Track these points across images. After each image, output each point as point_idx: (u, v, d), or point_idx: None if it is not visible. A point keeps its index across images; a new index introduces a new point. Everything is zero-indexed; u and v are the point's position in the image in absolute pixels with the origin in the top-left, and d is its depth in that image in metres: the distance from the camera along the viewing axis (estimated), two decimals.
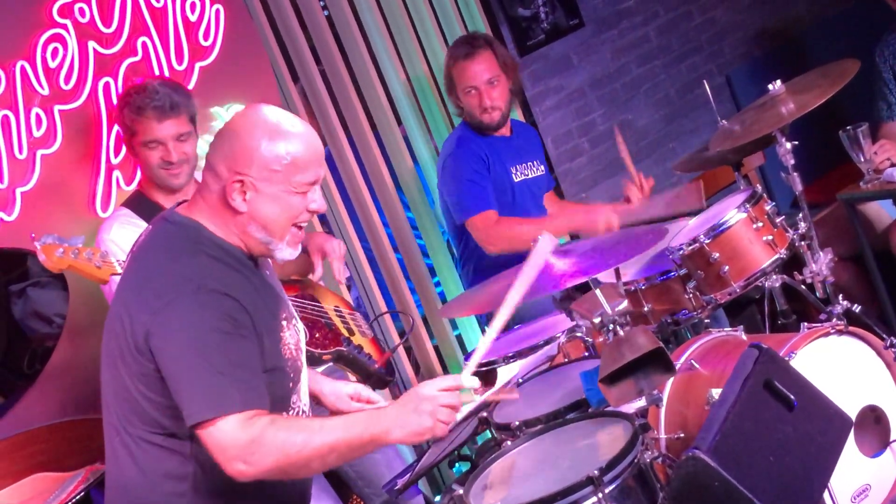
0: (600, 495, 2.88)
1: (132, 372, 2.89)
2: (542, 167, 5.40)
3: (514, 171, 5.24)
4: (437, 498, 5.29)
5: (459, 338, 5.82)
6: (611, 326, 3.19)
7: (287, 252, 3.00)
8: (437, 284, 5.79)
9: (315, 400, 3.36)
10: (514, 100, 5.35)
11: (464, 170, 5.13)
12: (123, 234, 4.05)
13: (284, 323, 3.04)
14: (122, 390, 2.95)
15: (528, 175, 5.29)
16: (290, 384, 3.02)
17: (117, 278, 3.82)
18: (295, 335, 3.09)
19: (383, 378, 4.39)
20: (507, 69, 5.20)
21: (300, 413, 3.10)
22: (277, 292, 3.11)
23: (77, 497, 3.77)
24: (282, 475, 2.81)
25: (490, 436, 3.88)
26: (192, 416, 2.76)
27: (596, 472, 2.88)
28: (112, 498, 3.10)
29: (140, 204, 4.18)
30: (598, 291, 3.20)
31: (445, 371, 5.70)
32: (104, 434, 3.08)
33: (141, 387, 2.89)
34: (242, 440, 2.72)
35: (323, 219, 5.57)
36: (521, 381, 3.83)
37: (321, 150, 2.98)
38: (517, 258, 4.87)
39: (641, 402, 3.26)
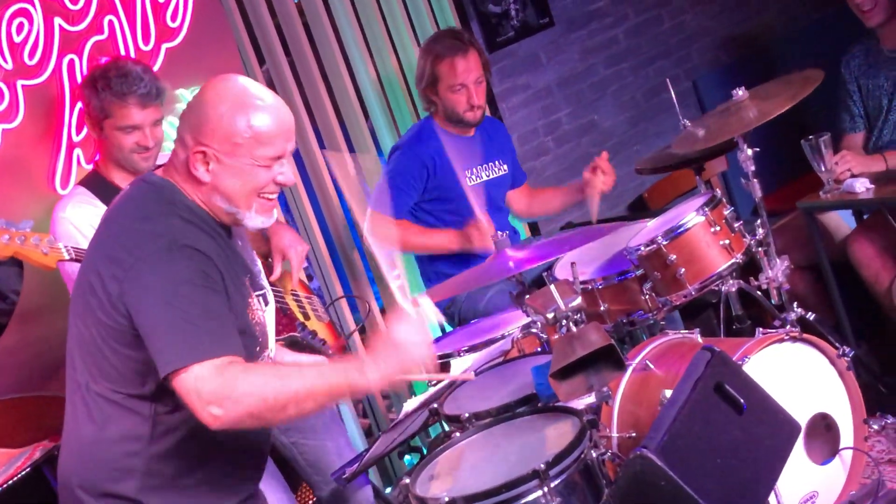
0: (545, 489, 2.89)
1: (104, 328, 2.89)
2: (506, 166, 5.38)
3: (468, 175, 5.21)
4: (388, 489, 5.29)
5: None
6: (564, 322, 3.20)
7: (258, 220, 3.00)
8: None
9: None
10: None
11: (397, 170, 5.15)
12: (79, 213, 4.03)
13: (251, 289, 3.06)
14: (90, 347, 2.95)
15: (485, 177, 5.27)
16: (258, 349, 3.02)
17: (69, 265, 3.81)
18: (262, 306, 3.10)
19: None
20: (486, 69, 5.22)
21: None
22: (247, 262, 3.12)
23: (24, 473, 3.75)
24: (257, 421, 2.78)
25: (441, 428, 3.89)
26: (167, 366, 2.74)
27: (542, 465, 2.89)
28: (66, 454, 3.10)
29: (97, 184, 4.15)
30: (552, 287, 3.20)
31: None
32: (66, 392, 3.08)
33: (112, 343, 2.89)
34: (217, 385, 2.70)
35: (284, 205, 5.56)
36: (474, 373, 3.83)
37: (289, 123, 2.97)
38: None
39: (591, 399, 3.27)
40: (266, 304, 3.16)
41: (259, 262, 3.25)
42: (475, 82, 5.12)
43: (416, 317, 2.96)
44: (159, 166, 3.08)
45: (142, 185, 3.03)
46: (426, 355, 2.91)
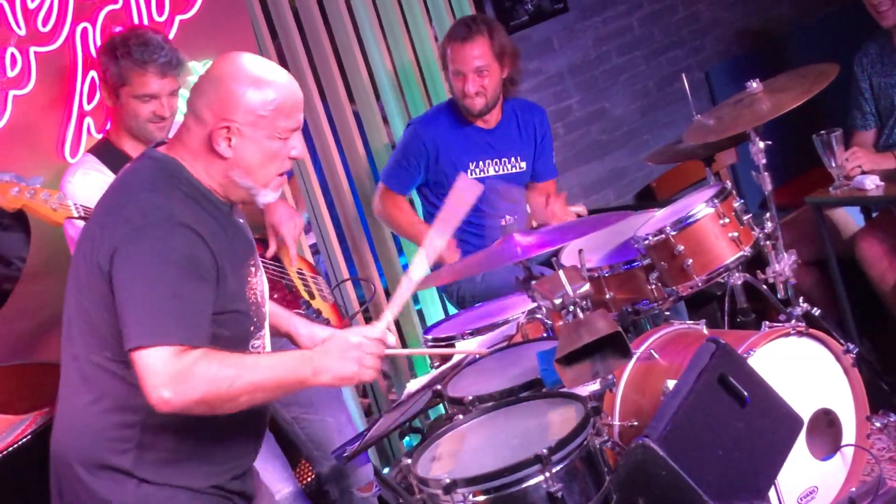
0: (547, 474, 2.89)
1: (96, 295, 2.90)
2: (524, 164, 5.29)
3: (472, 167, 5.18)
4: (387, 470, 5.30)
5: (420, 312, 5.82)
6: (571, 308, 3.19)
7: (270, 196, 3.03)
8: (401, 254, 5.79)
9: (289, 339, 3.41)
10: (509, 87, 5.27)
11: (406, 146, 5.18)
12: (88, 180, 4.03)
13: (253, 269, 3.07)
14: (84, 315, 2.95)
15: (492, 172, 5.21)
16: (252, 328, 3.04)
17: (77, 222, 3.81)
18: (262, 284, 3.12)
19: None
20: (501, 58, 5.13)
21: None
22: (248, 240, 3.13)
23: (24, 440, 3.75)
24: (207, 409, 2.79)
25: (443, 410, 3.88)
26: (132, 340, 2.76)
27: (545, 451, 2.89)
28: (61, 428, 3.09)
29: (107, 152, 4.14)
30: (560, 272, 3.20)
31: (404, 344, 5.70)
32: (61, 361, 3.08)
33: (103, 312, 2.89)
34: (172, 369, 2.72)
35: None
36: (477, 356, 3.83)
37: (301, 96, 3.02)
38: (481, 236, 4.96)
39: (595, 386, 3.27)
40: (264, 283, 3.17)
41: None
42: (474, 71, 5.07)
43: (381, 327, 3.00)
44: (161, 143, 3.09)
45: (145, 161, 3.04)
46: (373, 365, 2.93)
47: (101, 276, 2.87)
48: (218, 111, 2.92)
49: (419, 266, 3.25)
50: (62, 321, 3.06)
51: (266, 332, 3.15)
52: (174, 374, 2.72)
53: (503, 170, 5.25)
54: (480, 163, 5.20)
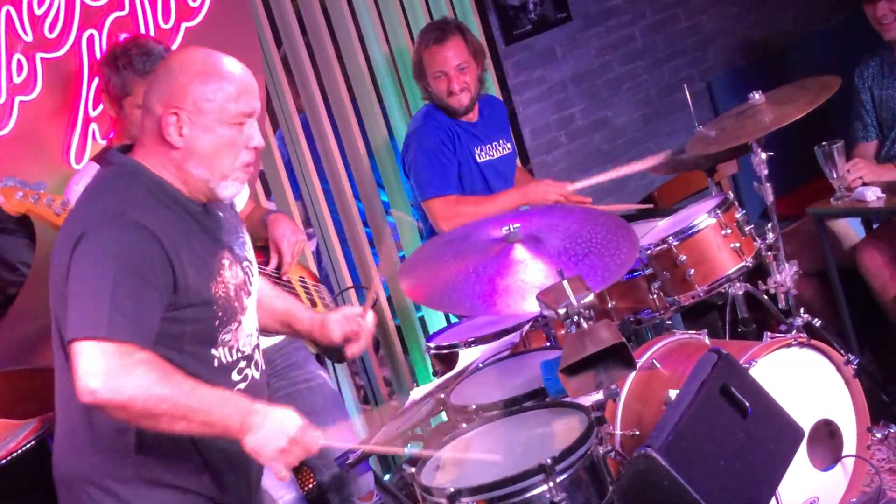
0: (551, 484, 2.90)
1: (63, 303, 2.89)
2: (509, 145, 5.42)
3: (478, 153, 5.27)
4: (387, 477, 5.31)
5: (422, 319, 5.83)
6: (575, 318, 3.20)
7: (231, 188, 3.01)
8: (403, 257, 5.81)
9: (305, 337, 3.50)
10: (481, 86, 5.34)
11: (429, 148, 5.17)
12: None
13: (226, 262, 3.03)
14: (57, 324, 2.96)
15: (493, 155, 5.31)
16: (217, 322, 2.99)
17: None
18: (241, 276, 3.08)
19: (343, 352, 4.38)
20: (476, 56, 5.21)
21: (235, 351, 3.07)
22: (223, 232, 3.10)
23: (28, 445, 3.76)
24: (126, 416, 2.76)
25: (444, 418, 3.88)
26: (69, 332, 2.76)
27: (548, 460, 2.90)
28: (60, 447, 3.10)
29: None
30: (564, 283, 3.21)
31: (405, 352, 5.72)
32: (56, 370, 3.07)
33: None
34: (111, 363, 2.70)
35: (296, 191, 5.57)
36: (481, 365, 3.85)
37: (254, 84, 3.02)
38: None
39: (599, 396, 3.28)
40: (248, 276, 3.14)
41: (245, 235, 3.24)
42: (456, 69, 5.13)
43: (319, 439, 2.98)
44: (125, 147, 3.08)
45: (105, 166, 3.07)
46: (291, 463, 2.91)
47: (62, 281, 2.87)
48: (167, 100, 2.92)
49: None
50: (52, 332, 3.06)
51: (244, 328, 3.10)
52: (111, 368, 2.70)
53: (497, 153, 5.35)
54: (483, 147, 5.30)
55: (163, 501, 3.01)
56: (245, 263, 3.13)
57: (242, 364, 3.10)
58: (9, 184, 3.74)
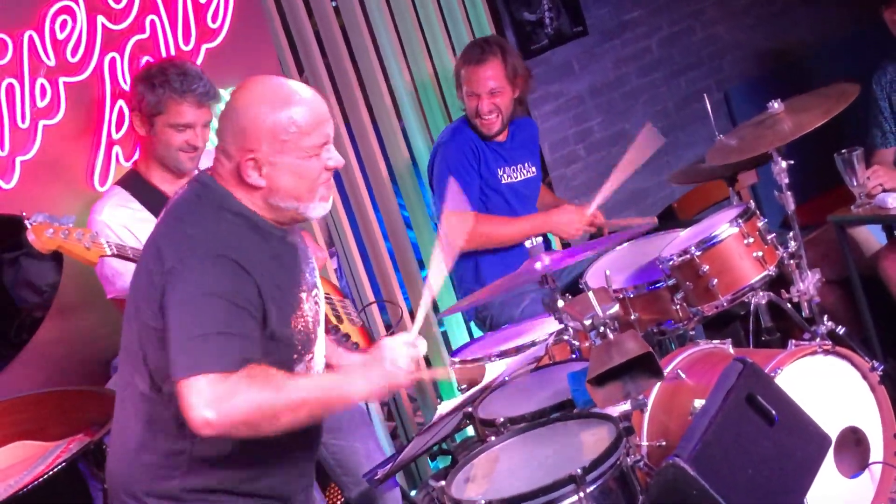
0: (581, 494, 2.90)
1: (151, 323, 2.91)
2: (534, 168, 5.43)
3: (501, 174, 5.28)
4: (414, 492, 5.32)
5: (445, 334, 5.85)
6: (601, 329, 3.21)
7: (320, 209, 3.01)
8: (422, 268, 5.83)
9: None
10: (517, 107, 5.36)
11: (453, 162, 5.18)
12: (115, 215, 4.05)
13: (304, 295, 3.05)
14: (139, 346, 2.98)
15: (516, 178, 5.32)
16: (295, 356, 3.02)
17: (109, 261, 3.84)
18: (314, 307, 3.10)
19: None
20: (514, 79, 5.22)
21: None
22: (301, 264, 3.11)
23: (59, 466, 3.77)
24: (250, 429, 2.78)
25: (470, 433, 3.90)
26: (175, 372, 2.77)
27: (579, 471, 2.91)
28: (114, 455, 3.13)
29: (135, 183, 4.16)
30: (590, 294, 3.22)
31: (429, 367, 5.73)
32: (116, 396, 3.11)
33: (155, 343, 2.91)
34: (215, 391, 2.72)
35: None
36: (507, 378, 3.86)
37: (326, 109, 2.98)
38: (511, 254, 5.01)
39: (626, 406, 3.29)
40: (319, 304, 3.16)
41: (314, 259, 3.24)
42: (488, 92, 5.16)
43: (410, 336, 3.05)
44: (209, 169, 3.07)
45: (196, 187, 3.03)
46: (408, 373, 2.98)
47: (155, 308, 2.88)
48: (241, 143, 2.90)
49: (437, 274, 3.31)
50: (120, 353, 3.09)
51: (317, 357, 3.13)
52: (217, 396, 2.71)
53: (521, 175, 5.36)
54: (506, 169, 5.31)
55: None
56: (315, 291, 3.13)
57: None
58: (38, 220, 3.74)
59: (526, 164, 5.38)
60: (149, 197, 4.10)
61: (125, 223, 4.03)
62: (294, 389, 2.81)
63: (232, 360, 2.76)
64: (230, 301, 2.82)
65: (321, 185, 2.98)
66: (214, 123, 4.72)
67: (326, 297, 4.45)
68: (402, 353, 2.97)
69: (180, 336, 2.80)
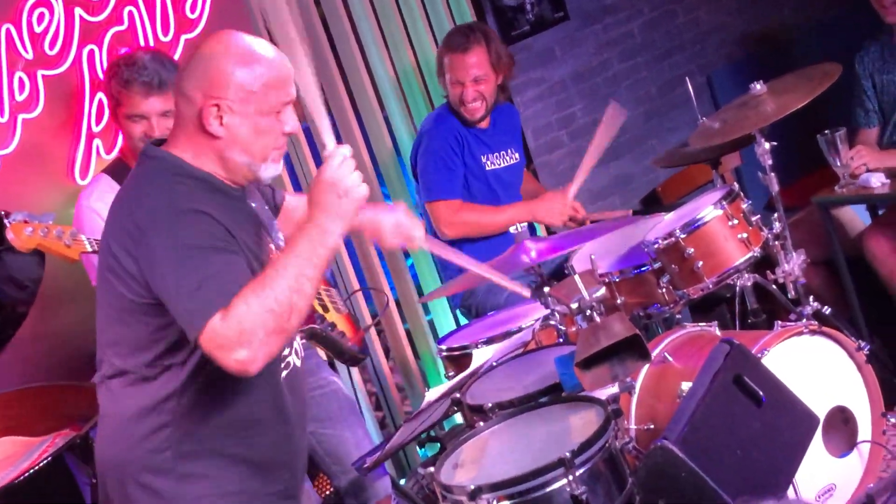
0: (571, 477, 2.90)
1: (126, 303, 2.91)
2: (517, 154, 5.43)
3: (485, 161, 5.28)
4: (403, 480, 5.31)
5: (431, 323, 5.84)
6: (588, 313, 3.21)
7: (271, 169, 3.00)
8: (411, 267, 5.81)
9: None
10: (500, 94, 5.35)
11: (437, 151, 5.18)
12: (104, 200, 4.01)
13: (273, 248, 3.05)
14: (112, 327, 2.99)
15: (500, 165, 5.32)
16: None
17: (92, 256, 3.82)
18: None
19: (356, 356, 4.39)
20: (498, 66, 5.22)
21: None
22: (264, 220, 3.11)
23: (44, 461, 3.76)
24: (281, 336, 2.76)
25: (459, 420, 3.89)
26: (191, 332, 2.76)
27: (567, 454, 2.90)
28: (100, 443, 3.13)
29: (121, 172, 4.13)
30: (576, 277, 3.22)
31: (416, 356, 5.73)
32: (97, 382, 3.10)
33: (135, 315, 2.92)
34: (229, 328, 2.69)
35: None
36: (494, 364, 3.85)
37: (291, 70, 2.96)
38: (495, 242, 5.01)
39: (614, 389, 3.29)
40: None
41: (276, 223, 3.23)
42: (472, 80, 5.15)
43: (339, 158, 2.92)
44: (160, 141, 3.06)
45: (144, 162, 3.02)
46: (362, 190, 2.89)
47: (135, 286, 2.88)
48: (207, 89, 2.89)
49: None
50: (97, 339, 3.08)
51: None
52: (235, 334, 2.70)
53: (504, 162, 5.37)
54: (490, 156, 5.31)
55: (198, 495, 3.01)
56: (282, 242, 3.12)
57: (285, 351, 3.10)
58: (17, 219, 3.72)
59: (509, 151, 5.37)
60: None
61: None
62: (283, 275, 2.76)
63: (226, 292, 2.74)
64: (208, 246, 2.81)
65: (275, 149, 2.97)
66: None
67: None
68: (341, 173, 2.86)
69: (178, 298, 2.78)
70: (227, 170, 2.97)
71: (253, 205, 3.11)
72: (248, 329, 2.70)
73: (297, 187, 5.56)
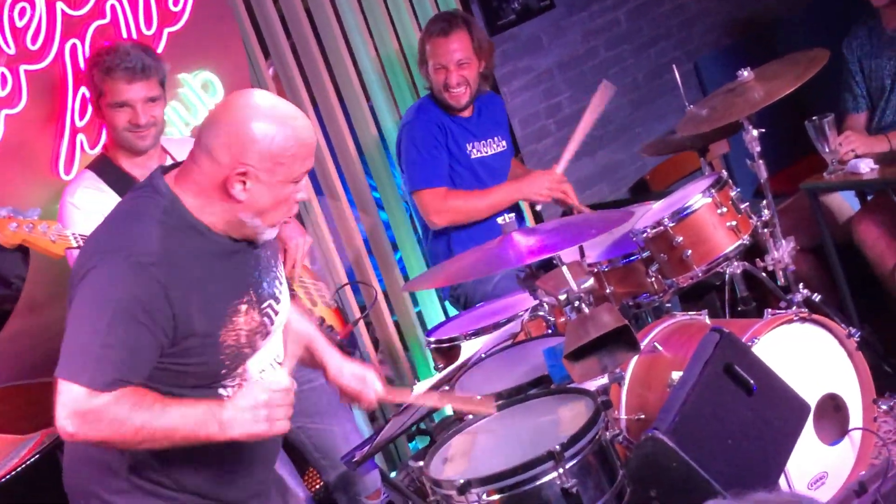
0: (561, 471, 2.88)
1: None
2: (504, 142, 5.39)
3: (470, 149, 5.24)
4: (393, 473, 5.29)
5: (420, 314, 5.82)
6: (576, 304, 3.19)
7: (270, 234, 2.98)
8: (399, 260, 5.79)
9: (318, 368, 3.35)
10: (482, 82, 5.33)
11: (420, 140, 5.14)
12: (87, 197, 4.00)
13: (243, 308, 2.96)
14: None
15: (486, 152, 5.28)
16: (223, 371, 2.95)
17: (73, 252, 3.79)
18: (252, 324, 2.99)
19: (344, 350, 4.35)
20: (480, 52, 5.19)
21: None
22: (252, 270, 3.02)
23: (31, 459, 3.75)
24: (108, 447, 2.86)
25: (448, 412, 3.87)
26: (58, 369, 2.77)
27: (557, 447, 2.88)
28: (67, 459, 3.12)
29: (105, 168, 4.12)
30: (564, 268, 3.20)
31: (405, 348, 5.70)
32: None
33: None
34: (80, 407, 2.72)
35: None
36: (483, 356, 3.83)
37: (314, 138, 2.95)
38: (482, 230, 4.98)
39: (603, 380, 3.27)
40: (278, 304, 3.09)
41: (280, 264, 3.17)
42: (456, 64, 5.12)
43: (285, 374, 2.94)
44: (173, 166, 3.01)
45: (145, 189, 2.98)
46: (285, 417, 2.86)
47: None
48: (237, 154, 2.83)
49: None
50: None
51: (256, 362, 3.03)
52: (81, 412, 2.72)
53: (491, 150, 5.32)
54: (476, 143, 5.27)
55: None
56: (266, 304, 3.03)
57: (261, 369, 3.05)
58: (2, 214, 3.70)
59: (496, 139, 5.34)
60: (118, 181, 4.05)
61: (96, 207, 3.97)
62: (158, 420, 2.77)
63: (105, 379, 2.74)
64: (129, 312, 2.77)
65: (285, 217, 2.96)
66: (178, 105, 4.72)
67: (300, 280, 4.42)
68: (275, 402, 2.83)
69: (71, 336, 2.80)
70: (229, 226, 2.93)
71: (262, 253, 3.05)
72: (94, 424, 2.73)
73: None
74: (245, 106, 2.88)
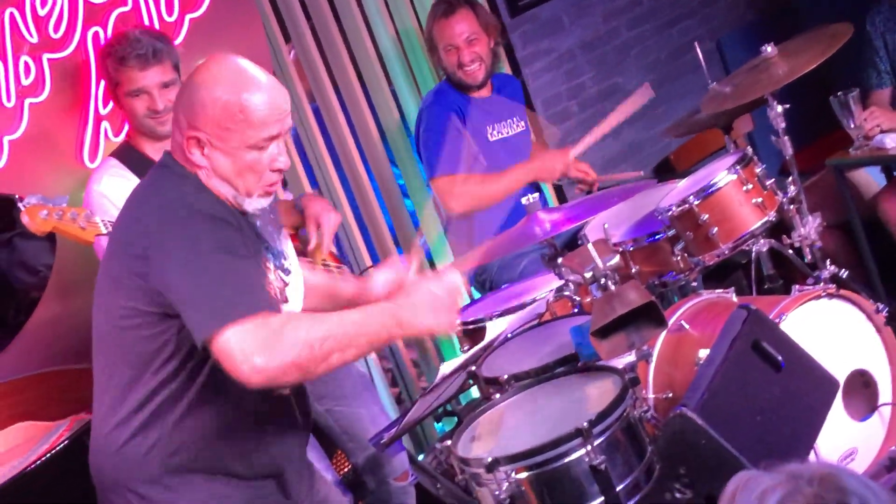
0: (589, 447, 2.87)
1: (132, 313, 2.85)
2: (523, 123, 5.37)
3: (490, 131, 5.23)
4: (421, 456, 5.30)
5: None
6: (602, 281, 3.18)
7: (257, 203, 2.94)
8: (424, 243, 5.78)
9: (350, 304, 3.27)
10: (495, 61, 5.31)
11: (437, 125, 5.13)
12: (113, 184, 4.02)
13: (271, 266, 2.98)
14: (111, 337, 2.94)
15: (505, 133, 5.28)
16: None
17: (104, 241, 3.80)
18: (278, 282, 3.01)
19: None
20: (487, 28, 5.19)
21: None
22: (266, 238, 3.03)
23: (61, 445, 3.76)
24: (300, 373, 2.69)
25: (474, 395, 3.85)
26: (203, 332, 2.67)
27: (585, 424, 2.87)
28: (95, 445, 3.10)
29: (128, 155, 4.14)
30: (589, 246, 3.19)
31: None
32: (95, 370, 3.06)
33: (135, 327, 2.86)
34: (262, 337, 2.62)
35: (311, 177, 5.54)
36: (509, 336, 3.82)
37: (282, 104, 2.90)
38: (506, 218, 4.96)
39: (631, 357, 3.26)
40: (288, 275, 3.08)
41: (285, 240, 3.18)
42: (465, 41, 5.12)
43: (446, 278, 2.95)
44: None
45: (157, 170, 3.01)
46: (454, 313, 2.91)
47: (144, 293, 2.81)
48: (189, 120, 2.86)
49: None
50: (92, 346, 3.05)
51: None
52: (262, 341, 2.62)
53: (511, 131, 5.32)
54: (495, 125, 5.26)
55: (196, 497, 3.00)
56: (278, 274, 3.04)
57: None
58: (32, 202, 3.72)
59: (515, 119, 5.32)
60: (142, 167, 4.04)
61: (122, 193, 3.97)
62: (341, 327, 2.72)
63: (258, 304, 2.69)
64: (223, 248, 2.76)
65: (263, 183, 2.92)
66: None
67: (324, 263, 4.42)
68: (454, 299, 2.91)
69: (191, 300, 2.72)
70: (218, 192, 2.92)
71: (258, 223, 3.02)
72: (281, 346, 2.63)
73: (306, 161, 5.53)
74: (204, 71, 2.89)
